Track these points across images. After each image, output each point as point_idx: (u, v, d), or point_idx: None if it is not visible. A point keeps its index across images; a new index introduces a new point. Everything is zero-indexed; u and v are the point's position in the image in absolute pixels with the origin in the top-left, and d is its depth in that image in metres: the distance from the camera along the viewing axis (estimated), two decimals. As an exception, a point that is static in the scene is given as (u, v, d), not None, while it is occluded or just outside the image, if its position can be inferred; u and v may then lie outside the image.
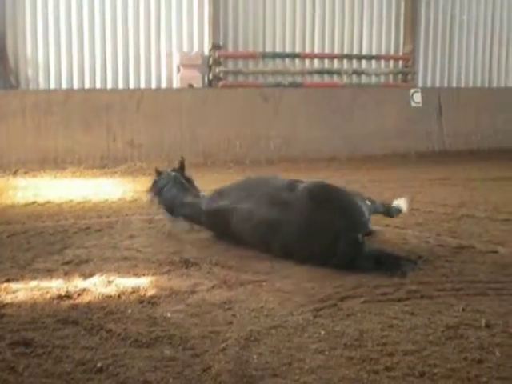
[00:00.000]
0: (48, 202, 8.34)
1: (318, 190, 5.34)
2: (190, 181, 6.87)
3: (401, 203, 6.27)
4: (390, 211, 6.18)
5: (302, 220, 5.09)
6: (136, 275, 4.92)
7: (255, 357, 3.34)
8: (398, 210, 6.23)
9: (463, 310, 4.03)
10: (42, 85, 13.47)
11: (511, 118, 15.57)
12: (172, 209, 6.48)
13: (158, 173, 6.98)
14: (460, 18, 16.36)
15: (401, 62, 16.11)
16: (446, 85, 16.54)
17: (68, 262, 5.31)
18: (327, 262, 4.97)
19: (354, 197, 5.45)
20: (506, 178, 10.58)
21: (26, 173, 11.59)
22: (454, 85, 16.61)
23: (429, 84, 16.38)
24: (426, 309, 4.07)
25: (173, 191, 6.53)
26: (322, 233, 5.00)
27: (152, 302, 4.26)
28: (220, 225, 5.92)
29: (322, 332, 3.69)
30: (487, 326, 3.74)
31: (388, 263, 4.92)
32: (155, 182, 6.87)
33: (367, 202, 5.65)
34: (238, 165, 12.69)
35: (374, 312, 4.03)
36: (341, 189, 5.52)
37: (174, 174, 6.81)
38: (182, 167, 6.91)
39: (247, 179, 6.51)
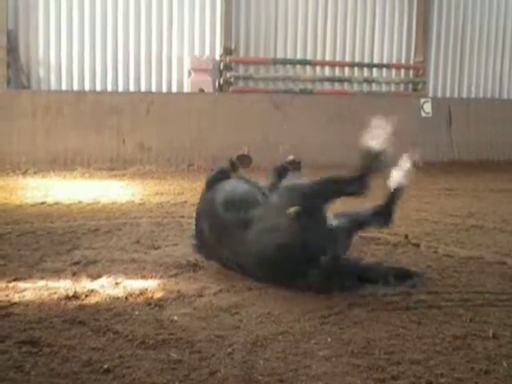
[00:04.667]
0: (57, 203, 8.36)
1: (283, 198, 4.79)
2: None
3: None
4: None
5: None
6: (144, 277, 4.93)
7: (261, 362, 3.34)
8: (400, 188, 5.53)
9: (471, 320, 4.02)
10: (53, 86, 13.51)
11: (521, 130, 15.53)
12: None
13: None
14: (472, 29, 16.32)
15: (411, 72, 16.10)
16: (456, 95, 16.51)
17: (76, 263, 5.31)
18: (293, 283, 4.57)
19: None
20: (515, 189, 10.57)
21: (35, 173, 11.62)
22: (465, 95, 16.59)
23: (439, 94, 16.36)
24: (433, 318, 4.06)
25: None
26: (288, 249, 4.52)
27: (159, 304, 4.26)
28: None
29: (329, 339, 3.68)
30: (494, 336, 3.73)
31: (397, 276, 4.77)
32: None
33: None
34: (248, 169, 12.68)
35: (381, 320, 4.02)
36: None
37: None
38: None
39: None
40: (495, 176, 12.59)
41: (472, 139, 15.15)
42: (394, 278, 4.69)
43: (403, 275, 4.76)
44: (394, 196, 5.44)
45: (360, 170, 5.04)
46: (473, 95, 16.67)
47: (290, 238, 4.54)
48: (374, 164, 4.84)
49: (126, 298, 4.41)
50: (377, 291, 4.55)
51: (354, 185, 4.97)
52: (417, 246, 6.19)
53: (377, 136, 4.89)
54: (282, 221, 4.60)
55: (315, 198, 4.77)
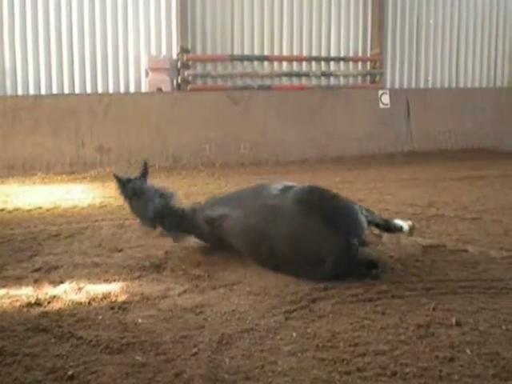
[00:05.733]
0: (17, 209, 8.26)
1: (308, 195, 5.02)
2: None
3: (403, 223, 5.76)
4: (389, 225, 5.67)
5: (293, 226, 4.84)
6: (106, 281, 4.88)
7: (227, 360, 3.33)
8: (399, 228, 5.71)
9: (434, 308, 4.06)
10: (8, 91, 13.34)
11: (478, 118, 15.76)
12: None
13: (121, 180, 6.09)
14: (427, 21, 16.51)
15: (369, 64, 16.22)
16: (413, 86, 16.69)
17: (38, 269, 5.24)
18: (318, 272, 4.69)
19: (348, 202, 5.15)
20: (475, 177, 10.71)
21: (-7, 180, 11.46)
22: (422, 86, 16.77)
23: (397, 85, 16.52)
24: (397, 308, 4.09)
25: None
26: (312, 240, 4.73)
27: (123, 307, 4.23)
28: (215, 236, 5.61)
29: (294, 334, 3.69)
30: (458, 324, 3.77)
31: (366, 266, 4.84)
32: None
33: (364, 211, 5.26)
34: (209, 168, 12.68)
35: (345, 313, 4.04)
36: (333, 193, 5.18)
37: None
38: (145, 172, 6.19)
39: (238, 191, 6.14)
40: (454, 165, 12.75)
41: (430, 129, 15.33)
42: (366, 269, 4.76)
43: (370, 265, 4.80)
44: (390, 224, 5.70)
45: None
46: (430, 85, 16.85)
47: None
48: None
49: (89, 302, 4.36)
50: (340, 283, 4.58)
51: None
52: (379, 236, 6.22)
53: None
54: None
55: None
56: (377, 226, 5.60)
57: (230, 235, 5.37)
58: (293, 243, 4.82)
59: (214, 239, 5.69)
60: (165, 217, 5.84)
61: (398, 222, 5.77)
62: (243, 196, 5.63)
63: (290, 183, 5.50)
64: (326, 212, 4.83)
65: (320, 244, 4.70)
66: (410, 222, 5.79)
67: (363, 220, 5.03)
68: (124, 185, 6.02)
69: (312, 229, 4.75)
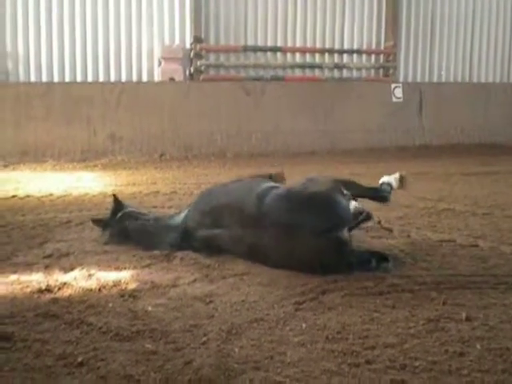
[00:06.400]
0: (28, 196, 8.29)
1: (286, 199, 4.95)
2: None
3: (391, 180, 5.77)
4: (376, 192, 5.67)
5: (277, 234, 4.79)
6: (117, 269, 4.89)
7: (237, 350, 3.34)
8: (388, 189, 5.70)
9: (444, 303, 4.05)
10: (22, 78, 13.36)
11: (491, 113, 15.69)
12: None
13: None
14: (441, 15, 16.41)
15: (382, 57, 16.16)
16: (427, 79, 16.62)
17: (48, 256, 5.26)
18: (314, 269, 4.66)
19: (325, 194, 4.95)
20: (486, 172, 10.66)
21: (5, 166, 11.51)
22: (435, 80, 16.69)
23: (410, 79, 16.45)
24: (406, 302, 4.08)
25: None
26: (300, 240, 4.70)
27: (133, 295, 4.24)
28: (213, 249, 5.36)
29: (304, 325, 3.69)
30: (468, 319, 3.76)
31: (376, 260, 4.82)
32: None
33: (344, 192, 5.08)
34: (220, 158, 12.68)
35: (355, 305, 4.04)
36: (310, 189, 5.02)
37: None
38: (117, 203, 6.08)
39: (209, 194, 5.78)
40: (466, 160, 12.70)
41: (443, 123, 15.28)
42: (376, 262, 4.74)
43: (380, 259, 4.79)
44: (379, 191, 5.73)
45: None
46: (443, 79, 16.78)
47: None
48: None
49: (100, 289, 4.37)
50: (350, 276, 4.58)
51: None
52: (389, 230, 6.22)
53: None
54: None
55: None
56: (364, 197, 5.57)
57: (228, 250, 5.24)
58: (282, 254, 4.80)
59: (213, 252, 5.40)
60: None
61: (385, 180, 5.76)
62: (225, 204, 5.33)
63: (263, 183, 5.39)
64: (303, 215, 4.75)
65: (307, 248, 4.67)
66: (396, 175, 5.78)
67: (344, 206, 4.88)
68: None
69: (295, 236, 4.71)
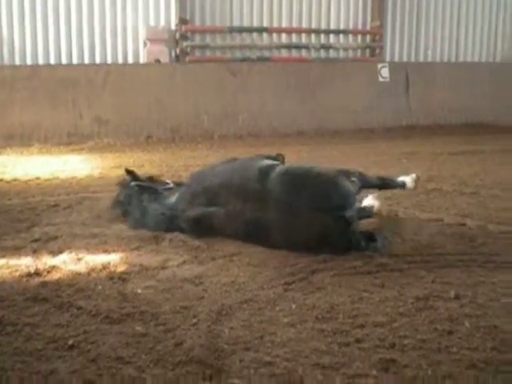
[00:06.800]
0: (15, 180, 8.24)
1: (290, 178, 4.95)
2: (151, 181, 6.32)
3: (407, 179, 5.83)
4: (387, 184, 5.75)
5: (282, 215, 4.79)
6: (106, 252, 4.89)
7: (227, 331, 3.35)
8: (402, 185, 5.80)
9: (432, 281, 4.08)
10: (6, 60, 13.24)
11: (478, 93, 15.71)
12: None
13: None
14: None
15: (368, 37, 16.13)
16: (413, 59, 16.61)
17: (36, 240, 5.24)
18: (320, 249, 4.66)
19: (331, 176, 5.02)
20: (473, 151, 10.70)
21: (-10, 150, 11.43)
22: (422, 59, 16.69)
23: (396, 59, 16.44)
24: (395, 281, 4.10)
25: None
26: (305, 220, 4.70)
27: (122, 278, 4.24)
28: (204, 231, 5.36)
29: (293, 305, 3.70)
30: (456, 297, 3.79)
31: (365, 239, 4.82)
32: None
33: (352, 178, 5.18)
34: (207, 140, 12.65)
35: (344, 285, 4.06)
36: (316, 169, 5.09)
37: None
38: (134, 176, 6.23)
39: (211, 171, 5.75)
40: (453, 139, 12.74)
41: (429, 103, 15.29)
42: (365, 242, 4.75)
43: (369, 238, 4.80)
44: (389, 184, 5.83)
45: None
46: (429, 59, 16.78)
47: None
48: None
49: (89, 273, 4.37)
50: (339, 256, 4.59)
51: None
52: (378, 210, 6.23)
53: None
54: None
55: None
56: (374, 187, 5.60)
57: (221, 229, 5.21)
58: (289, 233, 4.79)
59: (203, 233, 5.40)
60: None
61: (400, 179, 5.85)
62: (223, 182, 5.31)
63: (266, 162, 5.38)
64: (313, 195, 4.77)
65: (311, 227, 4.69)
66: (413, 175, 5.85)
67: (350, 189, 4.96)
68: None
69: (304, 215, 4.71)
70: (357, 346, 3.16)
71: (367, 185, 5.47)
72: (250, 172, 5.15)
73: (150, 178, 6.39)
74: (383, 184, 5.73)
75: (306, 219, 4.70)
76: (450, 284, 4.03)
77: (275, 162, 5.44)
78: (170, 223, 5.48)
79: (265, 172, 5.06)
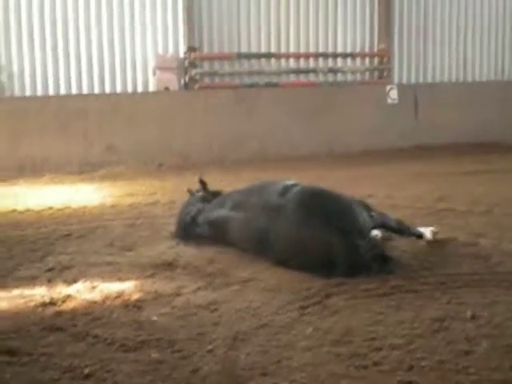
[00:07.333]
0: (27, 210, 8.26)
1: (310, 195, 5.12)
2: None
3: (426, 230, 5.72)
4: (404, 231, 5.64)
5: (294, 228, 4.90)
6: (120, 280, 4.89)
7: (243, 357, 3.34)
8: (419, 234, 5.68)
9: (448, 302, 4.06)
10: (17, 92, 13.35)
11: (486, 113, 15.69)
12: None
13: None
14: (434, 15, 16.45)
15: (376, 59, 16.17)
16: (421, 80, 16.63)
17: (51, 269, 5.26)
18: (327, 271, 4.68)
19: (349, 201, 5.14)
20: (484, 171, 10.67)
21: (3, 181, 11.47)
22: (430, 80, 16.71)
23: (404, 80, 16.44)
24: (411, 303, 4.09)
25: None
26: (315, 240, 4.79)
27: (137, 305, 4.24)
28: (219, 235, 5.72)
29: (309, 329, 3.69)
30: (473, 317, 3.77)
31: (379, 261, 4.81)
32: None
33: (372, 213, 5.22)
34: (218, 166, 12.66)
35: (359, 308, 4.05)
36: (335, 193, 5.21)
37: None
38: (203, 184, 6.90)
39: (241, 190, 6.12)
40: (462, 159, 12.70)
41: (438, 123, 15.26)
42: (378, 264, 4.74)
43: (383, 260, 4.79)
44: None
45: None
46: (437, 80, 16.80)
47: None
48: None
49: (103, 301, 4.38)
50: (353, 279, 4.58)
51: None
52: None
53: None
54: None
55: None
56: (391, 230, 5.56)
57: (235, 235, 5.39)
58: (298, 247, 4.88)
59: (216, 239, 5.74)
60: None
61: (419, 229, 5.75)
62: (245, 196, 5.67)
63: (291, 182, 5.54)
64: (328, 214, 4.87)
65: (324, 247, 4.75)
66: (433, 228, 5.76)
67: (367, 220, 5.03)
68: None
69: (315, 232, 4.80)
70: (375, 369, 3.14)
71: (385, 226, 5.44)
72: (272, 189, 5.40)
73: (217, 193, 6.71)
74: (401, 230, 5.65)
75: (314, 236, 4.79)
76: (465, 304, 4.01)
77: (297, 182, 5.54)
78: (190, 228, 5.87)
79: (287, 188, 5.27)
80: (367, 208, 5.27)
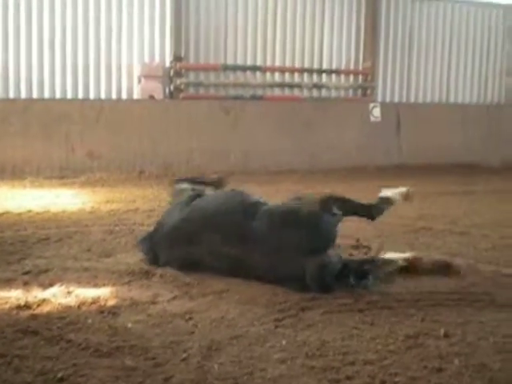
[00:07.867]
0: (6, 212, 8.21)
1: (276, 216, 5.07)
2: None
3: (394, 194, 5.55)
4: (370, 209, 5.43)
5: (265, 255, 4.88)
6: (96, 286, 4.88)
7: (216, 366, 3.35)
8: (385, 207, 5.48)
9: (422, 320, 4.10)
10: (0, 94, 13.29)
11: (468, 134, 15.85)
12: None
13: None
14: (419, 36, 16.62)
15: (360, 77, 16.29)
16: (404, 100, 16.77)
17: (27, 272, 5.23)
18: (301, 287, 4.71)
19: (314, 213, 5.00)
20: (464, 192, 10.77)
21: (-17, 183, 11.41)
22: (413, 100, 16.86)
23: (388, 99, 16.59)
24: (385, 319, 4.12)
25: None
26: (285, 259, 4.80)
27: (112, 312, 4.23)
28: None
29: (284, 342, 3.71)
30: (446, 335, 3.81)
31: (356, 277, 4.83)
32: None
33: (334, 211, 5.07)
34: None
35: (334, 322, 4.07)
36: (300, 210, 5.06)
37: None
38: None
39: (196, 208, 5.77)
40: (443, 179, 12.81)
41: (420, 143, 15.39)
42: (354, 278, 4.76)
43: (359, 276, 4.81)
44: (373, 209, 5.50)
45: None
46: (420, 100, 16.95)
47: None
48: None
49: (79, 306, 4.36)
50: (329, 293, 4.61)
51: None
52: (368, 248, 6.26)
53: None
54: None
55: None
56: (356, 213, 5.45)
57: (207, 261, 5.26)
58: (270, 273, 4.88)
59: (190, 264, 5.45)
60: None
61: (383, 195, 5.56)
62: (212, 212, 5.45)
63: (254, 198, 5.53)
64: (296, 240, 4.84)
65: (294, 268, 4.76)
66: (402, 189, 5.59)
67: (331, 231, 5.01)
68: None
69: (284, 252, 4.82)
70: (348, 383, 3.16)
71: (350, 211, 5.35)
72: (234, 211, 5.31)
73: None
74: (366, 210, 5.47)
75: (283, 261, 4.80)
76: (439, 322, 4.05)
77: (260, 200, 5.47)
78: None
79: (249, 212, 5.21)
80: (329, 207, 5.08)
